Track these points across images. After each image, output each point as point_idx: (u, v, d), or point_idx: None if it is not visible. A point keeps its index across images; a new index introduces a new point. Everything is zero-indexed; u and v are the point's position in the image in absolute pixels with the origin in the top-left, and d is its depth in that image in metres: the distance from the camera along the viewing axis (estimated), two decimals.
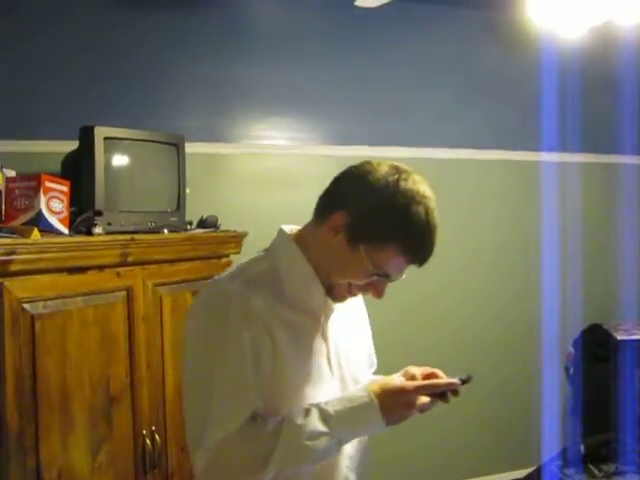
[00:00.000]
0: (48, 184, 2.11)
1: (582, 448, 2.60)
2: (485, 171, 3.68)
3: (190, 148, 2.76)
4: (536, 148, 3.67)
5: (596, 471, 2.50)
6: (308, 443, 1.33)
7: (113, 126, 2.44)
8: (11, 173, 2.32)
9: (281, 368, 1.39)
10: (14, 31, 2.79)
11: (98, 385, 2.17)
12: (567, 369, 3.54)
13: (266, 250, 1.52)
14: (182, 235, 2.61)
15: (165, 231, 2.54)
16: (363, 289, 1.45)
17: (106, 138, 2.38)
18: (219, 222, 2.82)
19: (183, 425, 2.42)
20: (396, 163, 1.42)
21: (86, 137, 2.37)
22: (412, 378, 1.50)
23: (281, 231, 1.51)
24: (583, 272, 3.61)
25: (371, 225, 1.36)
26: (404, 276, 1.44)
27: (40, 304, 1.98)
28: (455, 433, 3.59)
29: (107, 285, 2.23)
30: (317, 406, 1.37)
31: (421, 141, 3.51)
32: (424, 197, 1.37)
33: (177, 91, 3.08)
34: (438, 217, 1.38)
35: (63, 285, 2.07)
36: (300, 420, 1.34)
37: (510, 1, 2.85)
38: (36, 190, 2.08)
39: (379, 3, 2.42)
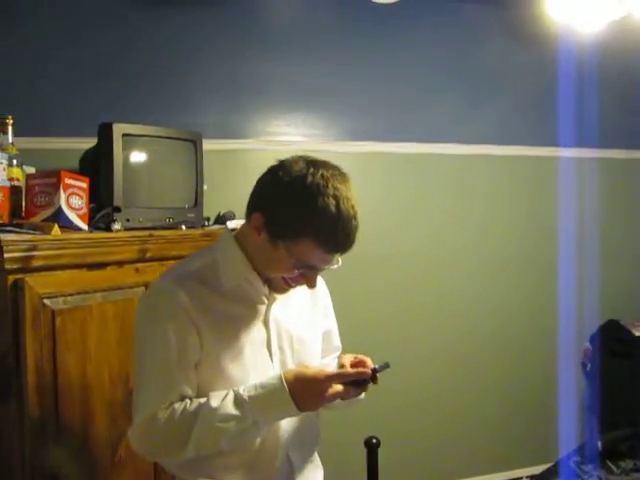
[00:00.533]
0: (68, 181, 2.12)
1: (600, 444, 2.59)
2: (500, 167, 3.66)
3: (207, 145, 2.78)
4: (553, 143, 3.65)
5: (614, 467, 2.48)
6: (220, 425, 1.45)
7: (131, 123, 2.45)
8: (30, 170, 2.35)
9: (210, 356, 1.52)
10: (33, 29, 2.80)
11: (117, 380, 2.19)
12: (584, 365, 3.53)
13: (210, 245, 1.68)
14: (200, 231, 2.62)
15: (183, 227, 2.56)
16: (296, 280, 1.55)
17: (124, 135, 2.40)
18: (236, 218, 2.82)
19: None
20: (312, 158, 1.50)
21: (105, 134, 2.39)
22: (342, 366, 1.59)
23: (226, 228, 1.65)
24: (600, 268, 3.58)
25: (283, 222, 1.46)
26: (338, 264, 1.51)
27: (60, 299, 2.00)
28: (471, 429, 3.59)
29: (126, 281, 2.25)
30: (234, 391, 1.49)
31: (437, 137, 3.50)
32: (334, 188, 1.42)
33: (194, 88, 3.08)
34: (353, 207, 1.44)
35: (83, 281, 2.10)
36: (215, 403, 1.47)
37: None
38: (56, 187, 2.10)
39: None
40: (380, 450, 2.41)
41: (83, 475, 2.06)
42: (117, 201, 2.36)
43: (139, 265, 2.30)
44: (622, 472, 2.47)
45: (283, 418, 1.56)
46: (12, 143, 2.27)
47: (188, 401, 1.50)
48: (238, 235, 1.61)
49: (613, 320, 3.44)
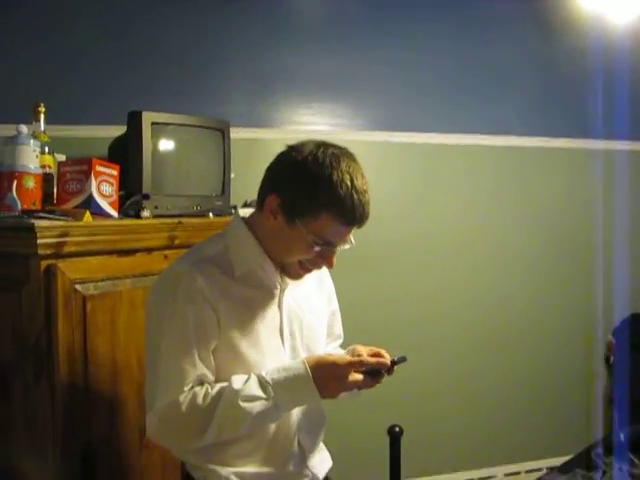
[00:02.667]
0: (99, 168, 2.15)
1: (623, 437, 2.58)
2: (530, 158, 3.63)
3: (235, 133, 2.79)
4: (583, 135, 3.63)
5: (637, 460, 2.48)
6: (244, 404, 1.46)
7: (160, 111, 2.47)
8: (61, 157, 2.38)
9: (228, 341, 1.54)
10: (64, 19, 2.84)
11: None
12: (607, 358, 3.52)
13: (221, 232, 1.70)
14: (227, 219, 2.61)
15: (210, 215, 2.58)
16: (314, 263, 1.58)
17: (153, 123, 2.42)
18: None
19: None
20: (320, 140, 1.56)
21: (134, 122, 2.41)
22: (358, 356, 1.62)
23: (236, 215, 1.69)
24: (626, 261, 3.56)
25: (301, 199, 1.50)
26: (352, 245, 1.56)
27: (91, 285, 2.03)
28: (492, 418, 3.59)
29: (155, 267, 2.26)
30: (257, 374, 1.51)
31: (464, 128, 3.49)
32: (346, 165, 1.49)
33: (222, 77, 3.10)
34: (365, 182, 1.51)
35: (113, 267, 2.13)
36: (238, 385, 1.48)
37: None
38: (87, 174, 2.13)
39: None
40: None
41: (112, 458, 2.09)
42: (146, 188, 2.38)
43: (167, 252, 2.32)
44: None
45: (304, 404, 1.60)
46: (44, 131, 2.31)
47: (208, 385, 1.51)
48: (249, 222, 1.64)
49: (637, 314, 3.42)
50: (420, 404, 3.40)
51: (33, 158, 2.10)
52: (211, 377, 1.53)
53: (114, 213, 2.21)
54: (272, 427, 1.60)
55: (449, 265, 3.51)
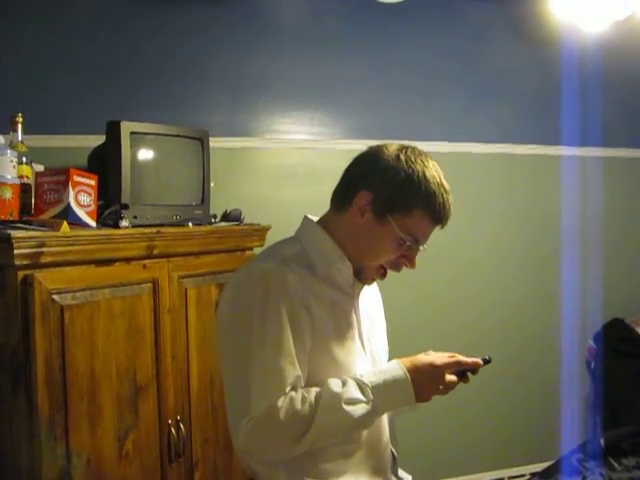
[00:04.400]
0: (77, 178, 2.14)
1: (602, 442, 2.60)
2: (506, 165, 3.67)
3: (214, 142, 2.80)
4: (556, 142, 3.66)
5: (616, 464, 2.50)
6: (347, 408, 1.40)
7: (139, 121, 2.47)
8: (39, 168, 2.37)
9: (321, 342, 1.49)
10: (43, 27, 2.83)
11: (125, 375, 2.21)
12: (588, 363, 3.54)
13: (293, 235, 1.64)
14: (207, 228, 2.64)
15: (190, 224, 2.58)
16: (396, 264, 1.56)
17: (132, 133, 2.42)
18: (243, 215, 2.85)
19: (208, 416, 2.50)
20: (398, 142, 1.57)
21: (112, 132, 2.40)
22: None
23: (306, 218, 1.64)
24: (604, 266, 3.59)
25: (396, 195, 1.49)
26: (426, 246, 1.56)
27: (69, 295, 2.02)
28: (474, 425, 3.60)
29: (134, 277, 2.27)
30: (353, 377, 1.46)
31: (443, 135, 3.51)
32: (434, 164, 1.54)
33: (201, 86, 3.10)
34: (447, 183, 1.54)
35: (91, 277, 2.12)
36: (337, 389, 1.42)
37: None
38: (65, 184, 2.12)
39: None
40: None
41: (90, 469, 2.08)
42: (125, 198, 2.37)
43: (146, 262, 2.32)
44: (624, 469, 2.48)
45: (399, 407, 1.54)
46: (21, 141, 2.30)
47: (302, 391, 1.42)
48: (323, 224, 1.60)
49: (617, 319, 3.45)
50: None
51: (10, 168, 2.09)
52: (303, 382, 1.45)
53: (92, 223, 2.20)
54: (368, 435, 1.55)
55: (433, 274, 3.51)
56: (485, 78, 3.60)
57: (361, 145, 1.63)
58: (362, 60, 3.39)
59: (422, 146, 3.45)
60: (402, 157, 1.51)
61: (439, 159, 1.58)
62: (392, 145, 1.55)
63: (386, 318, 3.00)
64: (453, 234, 3.46)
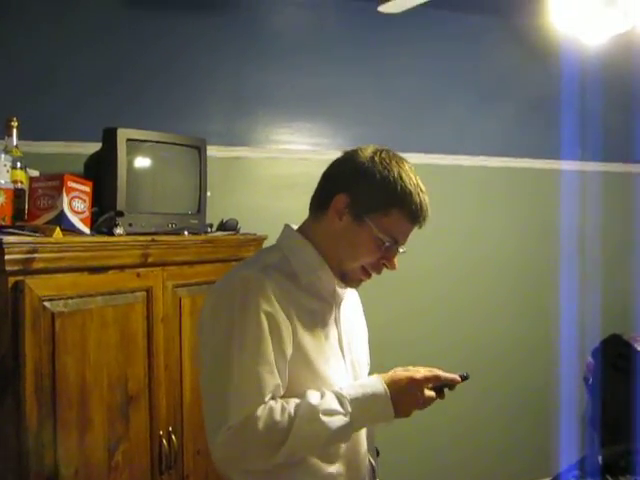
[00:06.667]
0: (71, 184, 2.13)
1: (600, 459, 2.56)
2: (505, 179, 3.66)
3: (211, 151, 2.78)
4: (556, 156, 3.65)
5: None
6: (324, 418, 1.40)
7: (135, 128, 2.46)
8: (34, 173, 2.35)
9: (301, 351, 1.47)
10: (41, 34, 2.82)
11: (116, 384, 2.19)
12: (586, 379, 3.50)
13: (274, 244, 1.63)
14: (202, 237, 2.62)
15: (186, 233, 2.56)
16: (376, 266, 1.55)
17: (129, 140, 2.40)
18: (239, 225, 2.83)
19: (200, 427, 2.46)
20: (373, 145, 1.57)
21: (109, 139, 2.39)
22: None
23: (287, 226, 1.63)
24: (602, 281, 3.57)
25: (372, 196, 1.50)
26: (404, 250, 1.56)
27: (61, 302, 2.00)
28: (472, 441, 3.57)
29: (127, 285, 2.25)
30: (332, 390, 1.45)
31: (442, 148, 3.50)
32: (409, 166, 1.55)
33: (199, 94, 3.10)
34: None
35: (84, 284, 2.10)
36: (316, 401, 1.41)
37: (531, 7, 2.84)
38: (59, 190, 2.11)
39: (402, 9, 2.43)
40: None
41: (80, 479, 2.05)
42: (120, 205, 2.36)
43: (141, 270, 2.30)
44: None
45: (376, 422, 1.53)
46: (16, 146, 2.28)
47: (282, 401, 1.41)
48: (302, 231, 1.59)
49: (616, 335, 3.40)
50: (394, 426, 3.35)
51: (4, 173, 2.08)
52: (283, 390, 1.43)
53: (86, 230, 2.18)
54: (347, 445, 1.52)
55: (431, 288, 3.50)
56: (484, 91, 3.59)
57: None
58: (362, 70, 3.39)
59: (422, 158, 3.48)
60: (377, 159, 1.51)
61: (438, 171, 1.59)
62: (367, 148, 1.55)
63: (385, 331, 3.00)
64: (451, 248, 3.50)
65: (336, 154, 3.23)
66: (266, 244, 2.79)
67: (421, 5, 2.41)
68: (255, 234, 2.83)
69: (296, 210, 3.18)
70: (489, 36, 3.57)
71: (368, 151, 1.54)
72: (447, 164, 3.50)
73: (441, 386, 1.53)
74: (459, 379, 1.55)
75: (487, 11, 3.48)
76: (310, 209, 1.61)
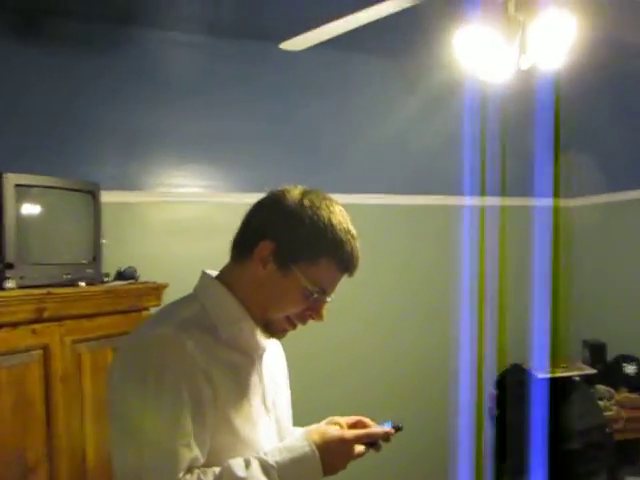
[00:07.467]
0: None
1: None
2: (404, 216, 3.69)
3: (106, 197, 2.63)
4: (456, 192, 3.72)
5: None
6: None
7: (24, 173, 2.28)
8: None
9: (223, 416, 1.34)
10: None
11: (12, 456, 1.98)
12: (490, 410, 3.56)
13: (192, 293, 1.48)
14: (102, 288, 2.46)
15: (82, 284, 2.38)
16: (302, 317, 1.44)
17: (17, 185, 2.22)
18: (137, 274, 2.68)
19: None
20: (300, 186, 1.45)
21: None
22: (352, 427, 1.49)
23: (204, 273, 1.49)
24: (501, 313, 3.66)
25: (300, 244, 1.38)
26: (333, 296, 1.45)
27: None
28: (382, 477, 3.51)
29: (21, 343, 2.06)
30: (257, 457, 1.33)
31: (340, 187, 3.48)
32: (340, 209, 1.43)
33: (90, 138, 2.94)
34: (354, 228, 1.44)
35: None
36: (241, 473, 1.29)
37: (437, 46, 2.90)
38: None
39: (304, 46, 2.41)
40: None
41: None
42: (9, 257, 2.16)
43: (36, 326, 2.12)
44: None
45: None
46: None
47: (199, 472, 1.28)
48: (222, 279, 1.46)
49: (516, 364, 3.50)
50: None
51: None
52: (202, 460, 1.30)
53: None
54: None
55: (325, 331, 3.42)
56: (385, 131, 3.62)
57: (254, 198, 1.52)
58: (256, 112, 3.34)
59: None
60: (306, 202, 1.40)
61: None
62: (295, 189, 1.43)
63: (302, 374, 2.86)
64: (352, 288, 3.46)
65: (229, 197, 3.23)
66: (167, 292, 2.65)
67: (321, 46, 2.40)
68: (155, 282, 2.69)
69: (193, 255, 3.12)
70: (392, 77, 3.64)
71: (296, 193, 1.42)
72: (346, 203, 3.48)
73: (370, 442, 1.46)
74: (392, 431, 1.48)
75: (388, 54, 3.53)
76: (231, 254, 1.47)
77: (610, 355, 3.73)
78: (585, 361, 3.74)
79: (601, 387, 3.54)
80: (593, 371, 3.58)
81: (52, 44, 2.92)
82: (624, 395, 3.50)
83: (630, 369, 3.63)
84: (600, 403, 3.40)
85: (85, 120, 2.93)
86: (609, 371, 3.65)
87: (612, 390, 3.52)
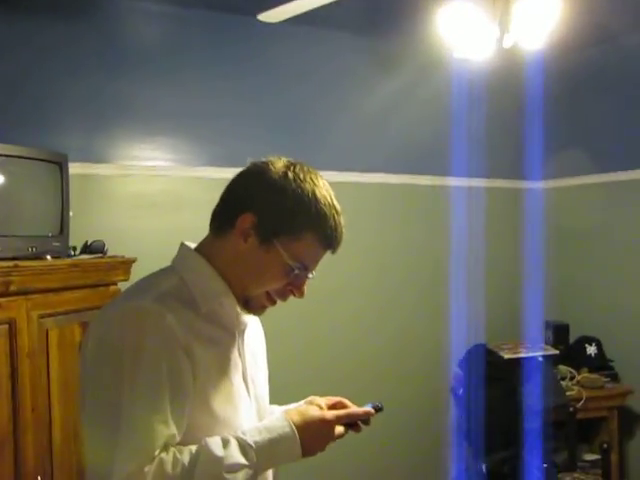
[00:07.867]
0: None
1: (484, 467, 2.62)
2: (392, 195, 3.67)
3: (73, 169, 2.55)
4: (444, 173, 3.72)
5: None
6: (228, 476, 1.24)
7: None
8: None
9: (201, 390, 1.30)
10: None
11: None
12: (454, 390, 3.59)
13: (170, 265, 1.43)
14: (69, 261, 2.38)
15: (48, 257, 2.31)
16: (283, 293, 1.41)
17: None
18: (106, 247, 2.61)
19: (70, 474, 2.22)
20: (285, 158, 1.41)
21: None
22: (333, 407, 1.47)
23: (184, 245, 1.44)
24: (468, 294, 3.67)
25: (283, 218, 1.34)
26: (314, 275, 1.41)
27: None
28: (348, 460, 3.51)
29: None
30: (236, 437, 1.29)
31: (321, 165, 3.45)
32: (324, 183, 1.38)
33: (56, 108, 2.85)
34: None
35: None
36: (219, 452, 1.25)
37: (419, 25, 2.88)
38: None
39: (281, 18, 2.35)
40: None
41: None
42: None
43: (2, 300, 2.04)
44: None
45: (285, 463, 1.38)
46: None
47: (174, 450, 1.24)
48: (202, 251, 1.41)
49: (480, 344, 3.53)
50: None
51: None
52: (178, 438, 1.26)
53: None
54: None
55: (306, 307, 3.42)
56: (372, 109, 3.58)
57: (227, 173, 1.47)
58: (226, 85, 3.27)
59: None
60: (290, 175, 1.35)
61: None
62: (279, 161, 1.39)
63: (283, 352, 2.84)
64: (335, 266, 3.44)
65: (201, 171, 3.16)
66: (135, 266, 2.60)
67: (304, 21, 2.35)
68: (123, 256, 2.63)
69: (163, 229, 3.06)
70: (379, 55, 3.59)
71: (280, 165, 1.38)
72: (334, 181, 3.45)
73: (351, 422, 1.44)
74: (373, 411, 1.46)
75: (375, 33, 3.49)
76: (211, 227, 1.43)
77: (572, 336, 3.80)
78: (548, 341, 3.80)
79: (563, 367, 3.61)
80: (556, 352, 3.64)
81: (17, 11, 2.80)
82: (584, 375, 3.58)
83: (591, 350, 3.70)
84: (562, 383, 3.46)
85: (50, 90, 2.84)
86: (571, 352, 3.72)
87: (574, 371, 3.59)
